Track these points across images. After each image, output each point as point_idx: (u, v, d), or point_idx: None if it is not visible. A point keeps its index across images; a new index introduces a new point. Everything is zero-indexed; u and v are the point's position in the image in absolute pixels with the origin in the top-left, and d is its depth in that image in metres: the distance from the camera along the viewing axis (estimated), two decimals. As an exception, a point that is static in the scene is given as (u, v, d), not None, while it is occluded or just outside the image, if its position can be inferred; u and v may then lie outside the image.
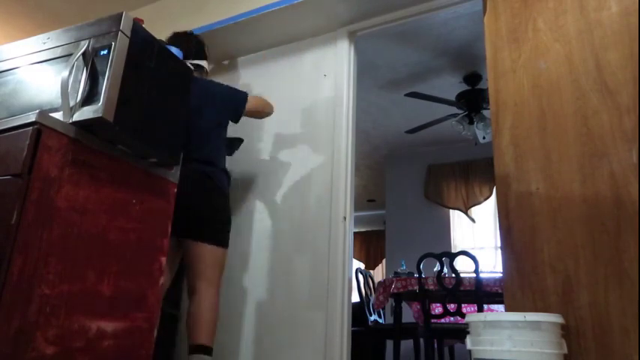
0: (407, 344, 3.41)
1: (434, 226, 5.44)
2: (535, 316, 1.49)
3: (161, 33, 2.37)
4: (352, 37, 2.81)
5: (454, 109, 4.39)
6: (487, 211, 5.37)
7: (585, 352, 1.61)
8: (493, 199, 5.18)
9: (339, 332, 2.26)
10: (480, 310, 2.74)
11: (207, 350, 2.00)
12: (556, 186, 1.83)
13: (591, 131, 1.81)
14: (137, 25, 1.62)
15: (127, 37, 1.56)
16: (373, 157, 6.12)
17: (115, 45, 1.52)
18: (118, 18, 1.56)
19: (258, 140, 2.86)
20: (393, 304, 3.06)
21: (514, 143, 1.97)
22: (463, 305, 2.90)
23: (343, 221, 2.44)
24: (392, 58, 3.94)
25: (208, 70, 2.53)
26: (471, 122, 4.21)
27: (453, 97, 4.27)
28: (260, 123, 2.87)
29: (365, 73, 4.03)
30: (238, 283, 2.60)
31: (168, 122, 1.73)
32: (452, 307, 2.78)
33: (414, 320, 3.40)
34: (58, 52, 1.62)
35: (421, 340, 3.15)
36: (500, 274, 2.58)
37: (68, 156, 1.46)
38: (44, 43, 1.67)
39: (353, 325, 2.41)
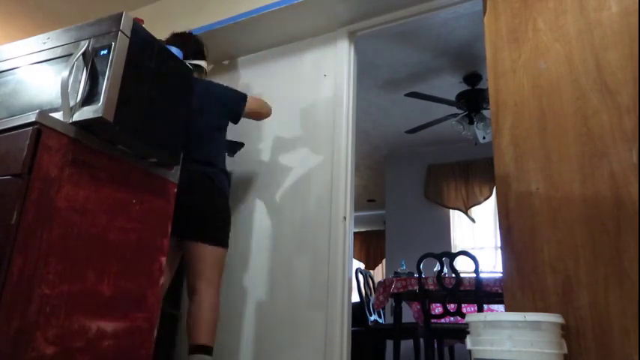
0: (407, 344, 3.41)
1: (434, 226, 5.44)
2: (535, 316, 1.49)
3: (161, 33, 2.37)
4: (352, 37, 2.81)
5: (454, 109, 4.39)
6: (487, 211, 5.37)
7: (585, 352, 1.61)
8: (493, 199, 5.18)
9: (339, 332, 2.26)
10: (480, 310, 2.74)
11: (207, 350, 2.00)
12: (556, 186, 1.83)
13: (591, 131, 1.81)
14: (137, 25, 1.62)
15: (127, 37, 1.56)
16: (373, 157, 6.12)
17: (115, 45, 1.52)
18: (118, 18, 1.56)
19: (258, 140, 2.86)
20: (393, 304, 3.06)
21: (514, 143, 1.97)
22: (463, 305, 2.90)
23: (343, 221, 2.44)
24: (392, 58, 3.94)
25: (208, 70, 2.53)
26: (471, 122, 4.21)
27: (453, 97, 4.27)
28: (260, 123, 2.87)
29: (365, 73, 4.03)
30: (238, 283, 2.60)
31: (168, 122, 1.73)
32: (452, 307, 2.78)
33: (414, 320, 3.40)
34: (58, 52, 1.62)
35: (421, 340, 3.15)
36: (500, 274, 2.58)
37: (68, 156, 1.46)
38: (44, 43, 1.67)
39: (353, 325, 2.41)
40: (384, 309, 3.81)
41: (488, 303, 2.99)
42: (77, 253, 1.46)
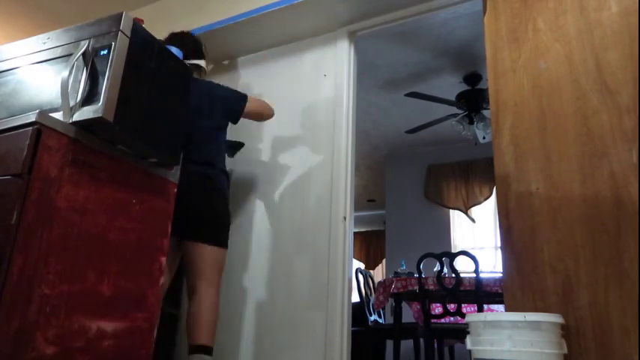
0: (407, 344, 3.41)
1: (434, 226, 5.44)
2: (535, 316, 1.49)
3: (161, 33, 2.37)
4: (352, 37, 2.81)
5: (454, 109, 4.39)
6: (487, 211, 5.37)
7: (585, 352, 1.61)
8: (493, 199, 5.18)
9: (339, 332, 2.26)
10: (480, 310, 2.74)
11: (207, 350, 2.00)
12: (556, 186, 1.83)
13: (591, 131, 1.81)
14: (137, 25, 1.62)
15: (127, 37, 1.56)
16: (373, 157, 6.12)
17: (115, 45, 1.52)
18: (118, 18, 1.56)
19: (258, 140, 2.86)
20: (393, 304, 3.06)
21: (514, 143, 1.97)
22: (463, 305, 2.90)
23: (343, 221, 2.44)
24: (392, 58, 3.94)
25: (207, 69, 2.53)
26: (471, 122, 4.21)
27: (453, 97, 4.27)
28: (260, 123, 2.87)
29: (365, 73, 4.03)
30: (238, 283, 2.60)
31: (168, 122, 1.73)
32: (452, 307, 2.78)
33: (414, 320, 3.40)
34: (58, 52, 1.62)
35: (421, 340, 3.15)
36: (500, 274, 2.58)
37: (68, 156, 1.46)
38: (44, 43, 1.67)
39: (353, 325, 2.41)
40: (384, 309, 3.81)
41: (489, 303, 2.99)
42: (77, 253, 1.46)
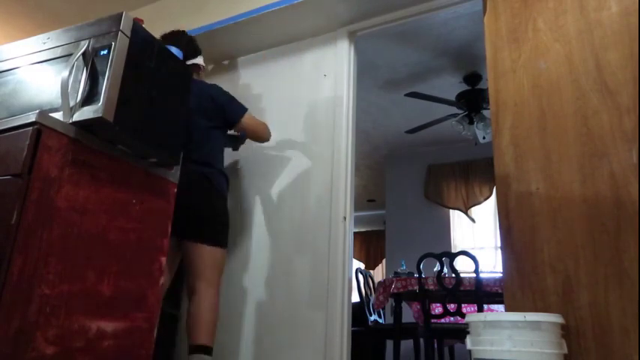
0: (407, 344, 3.41)
1: (434, 226, 5.44)
2: (535, 316, 1.49)
3: (161, 33, 2.37)
4: (352, 37, 2.81)
5: (454, 109, 4.39)
6: (487, 211, 5.37)
7: (585, 352, 1.61)
8: (493, 199, 5.18)
9: (339, 332, 2.26)
10: (480, 310, 2.74)
11: (207, 350, 2.00)
12: (556, 186, 1.83)
13: (591, 131, 1.81)
14: (137, 25, 1.62)
15: (127, 37, 1.56)
16: (373, 157, 6.12)
17: (115, 45, 1.52)
18: (118, 18, 1.56)
19: (258, 140, 2.86)
20: (393, 304, 3.06)
21: (514, 143, 1.97)
22: (463, 305, 2.90)
23: (343, 221, 2.44)
24: (392, 58, 3.94)
25: (205, 65, 2.52)
26: (471, 122, 4.21)
27: (453, 97, 4.27)
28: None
29: (365, 73, 4.03)
30: (238, 283, 2.60)
31: (168, 122, 1.73)
32: (452, 307, 2.78)
33: (414, 320, 3.40)
34: (58, 52, 1.63)
35: (421, 340, 3.15)
36: (500, 274, 2.58)
37: (68, 156, 1.46)
38: (44, 43, 1.67)
39: (353, 325, 2.41)
40: (384, 309, 3.81)
41: (489, 303, 2.99)
42: (77, 253, 1.46)
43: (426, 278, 2.86)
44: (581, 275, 1.69)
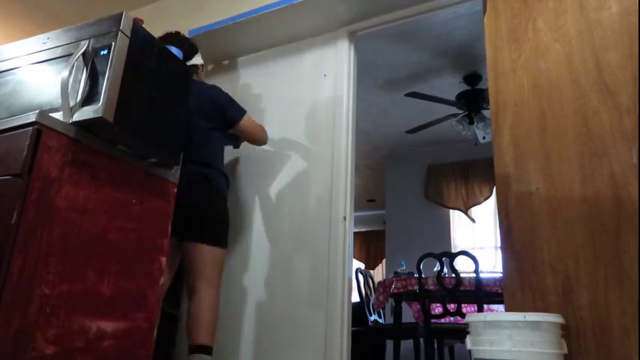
0: (407, 344, 3.41)
1: (434, 226, 5.44)
2: (535, 316, 1.49)
3: (161, 33, 2.37)
4: (352, 37, 2.81)
5: (454, 109, 4.39)
6: (487, 211, 5.37)
7: (585, 352, 1.61)
8: (493, 199, 5.18)
9: (339, 332, 2.26)
10: (480, 310, 2.74)
11: (207, 350, 2.00)
12: (556, 186, 1.83)
13: (591, 131, 1.81)
14: (137, 25, 1.62)
15: (127, 37, 1.56)
16: (373, 157, 6.12)
17: (115, 45, 1.52)
18: (118, 18, 1.56)
19: (258, 140, 2.86)
20: (393, 304, 3.06)
21: (514, 143, 1.97)
22: (463, 305, 2.90)
23: (343, 221, 2.44)
24: (392, 58, 3.94)
25: (204, 64, 2.51)
26: (471, 122, 4.21)
27: (453, 97, 4.27)
28: (260, 121, 2.87)
29: (365, 73, 4.03)
30: (238, 283, 2.60)
31: (168, 122, 1.73)
32: (452, 307, 2.78)
33: (414, 320, 3.40)
34: (58, 52, 1.63)
35: (421, 340, 3.15)
36: (500, 274, 2.58)
37: (68, 156, 1.46)
38: (44, 43, 1.67)
39: (353, 325, 2.41)
40: (384, 309, 3.81)
41: (489, 303, 2.99)
42: (77, 253, 1.46)
43: (426, 278, 2.86)
44: (581, 275, 1.69)
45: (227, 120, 2.34)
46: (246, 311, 2.52)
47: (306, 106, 2.78)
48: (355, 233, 8.35)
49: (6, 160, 1.39)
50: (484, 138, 4.22)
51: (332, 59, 2.78)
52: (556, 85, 1.94)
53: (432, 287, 2.85)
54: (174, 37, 2.37)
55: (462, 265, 2.98)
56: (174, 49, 2.17)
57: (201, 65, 2.47)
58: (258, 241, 2.64)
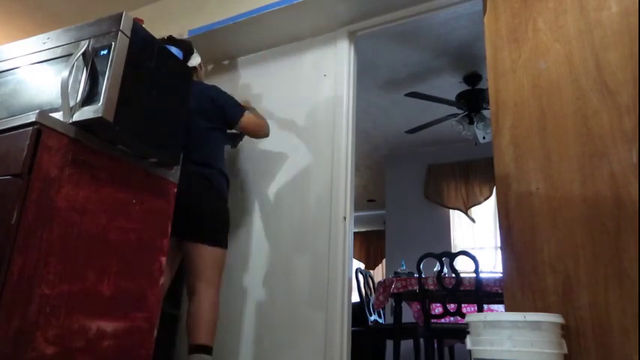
0: (407, 344, 3.41)
1: (434, 226, 5.44)
2: (535, 316, 1.49)
3: (161, 33, 2.37)
4: (352, 37, 2.81)
5: (454, 109, 4.38)
6: (487, 211, 5.37)
7: (585, 352, 1.61)
8: (493, 199, 5.18)
9: (339, 332, 2.26)
10: (480, 310, 2.74)
11: (207, 350, 2.00)
12: (556, 186, 1.83)
13: (591, 131, 1.81)
14: (137, 25, 1.62)
15: (127, 37, 1.56)
16: (373, 157, 6.11)
17: (115, 45, 1.52)
18: (118, 18, 1.56)
19: (258, 140, 2.86)
20: (393, 304, 3.06)
21: (514, 143, 1.97)
22: (463, 305, 2.90)
23: (343, 221, 2.44)
24: (392, 58, 3.94)
25: (203, 64, 2.52)
26: (471, 122, 4.21)
27: (453, 97, 4.27)
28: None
29: (365, 73, 4.03)
30: (238, 283, 2.60)
31: (168, 122, 1.73)
32: (452, 307, 2.78)
33: (414, 320, 3.40)
34: (58, 52, 1.62)
35: (421, 340, 3.14)
36: (500, 274, 2.58)
37: (68, 156, 1.46)
38: (44, 43, 1.67)
39: (353, 325, 2.41)
40: (384, 309, 3.81)
41: (489, 303, 2.99)
42: (77, 253, 1.46)
43: (426, 278, 2.86)
44: (581, 275, 1.69)
45: (227, 119, 2.35)
46: (246, 311, 2.52)
47: (306, 106, 2.78)
48: (355, 233, 8.35)
49: (6, 160, 1.39)
50: (484, 138, 4.22)
51: (332, 59, 2.78)
52: (556, 85, 1.94)
53: (432, 287, 2.85)
54: (173, 39, 2.38)
55: (462, 265, 2.98)
56: (174, 49, 2.17)
57: (201, 65, 2.47)
58: (258, 241, 2.64)
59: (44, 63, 1.64)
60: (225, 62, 3.19)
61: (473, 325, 1.59)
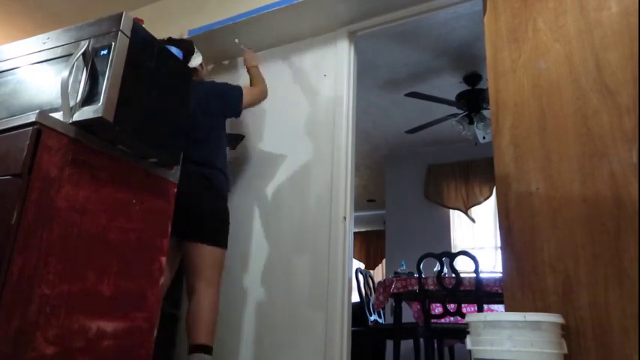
0: (407, 344, 3.41)
1: (434, 226, 5.44)
2: (535, 316, 1.49)
3: (161, 33, 2.37)
4: (352, 37, 2.81)
5: (454, 109, 4.38)
6: (487, 211, 5.37)
7: (585, 352, 1.61)
8: (493, 199, 5.17)
9: (339, 332, 2.26)
10: (480, 310, 2.74)
11: (207, 350, 2.00)
12: (556, 186, 1.83)
13: (591, 131, 1.81)
14: (137, 25, 1.62)
15: (127, 37, 1.56)
16: (373, 157, 6.11)
17: (115, 45, 1.52)
18: (118, 18, 1.56)
19: (258, 140, 2.86)
20: (393, 304, 3.06)
21: (514, 143, 1.97)
22: (463, 305, 2.90)
23: (343, 221, 2.44)
24: (392, 58, 3.94)
25: (204, 64, 2.53)
26: (471, 122, 4.21)
27: (453, 97, 4.27)
28: (260, 123, 2.87)
29: (365, 73, 4.03)
30: (238, 283, 2.60)
31: (168, 122, 1.73)
32: (452, 307, 2.78)
33: (414, 320, 3.40)
34: (58, 52, 1.63)
35: (421, 340, 3.14)
36: (500, 274, 2.58)
37: (68, 156, 1.46)
38: (44, 43, 1.67)
39: (353, 325, 2.41)
40: (384, 309, 3.81)
41: (489, 303, 2.99)
42: (77, 253, 1.46)
43: (426, 278, 2.86)
44: (581, 275, 1.69)
45: (230, 109, 2.37)
46: (246, 311, 2.52)
47: (306, 106, 2.78)
48: (355, 233, 8.35)
49: (6, 160, 1.39)
50: (484, 138, 4.22)
51: (332, 59, 2.78)
52: (556, 85, 1.94)
53: (432, 287, 2.85)
54: (173, 40, 2.39)
55: (462, 265, 2.97)
56: (174, 49, 2.17)
57: (202, 65, 2.48)
58: (258, 241, 2.64)
59: (44, 63, 1.64)
60: (225, 62, 3.19)
61: (473, 325, 1.59)
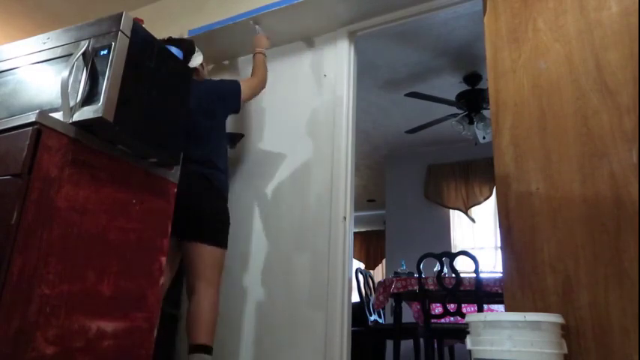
0: (407, 344, 3.41)
1: (434, 226, 5.44)
2: (535, 316, 1.49)
3: (161, 33, 2.37)
4: (352, 37, 2.81)
5: (454, 109, 4.38)
6: (487, 211, 5.37)
7: (585, 352, 1.61)
8: (493, 199, 5.17)
9: (339, 332, 2.26)
10: (480, 310, 2.74)
11: (207, 350, 2.00)
12: (556, 186, 1.83)
13: (591, 131, 1.81)
14: (137, 25, 1.62)
15: (127, 37, 1.56)
16: (373, 157, 6.11)
17: (115, 45, 1.52)
18: (118, 18, 1.56)
19: (258, 140, 2.86)
20: (393, 304, 3.06)
21: (514, 143, 1.97)
22: (463, 305, 2.90)
23: (343, 221, 2.44)
24: (392, 58, 3.94)
25: (204, 64, 2.53)
26: (471, 122, 4.21)
27: (453, 97, 4.27)
28: (260, 123, 2.87)
29: (365, 73, 4.03)
30: (238, 283, 2.60)
31: (168, 122, 1.73)
32: (452, 307, 2.78)
33: (414, 320, 3.40)
34: (58, 52, 1.63)
35: (421, 340, 3.15)
36: (500, 274, 2.58)
37: (68, 156, 1.46)
38: (44, 43, 1.67)
39: (353, 325, 2.41)
40: (384, 309, 3.81)
41: (489, 303, 2.99)
42: (77, 253, 1.46)
43: (426, 278, 2.86)
44: (581, 275, 1.69)
45: (230, 107, 2.37)
46: (246, 311, 2.52)
47: (306, 106, 2.78)
48: (355, 233, 8.35)
49: (6, 160, 1.39)
50: (484, 138, 4.22)
51: (332, 59, 2.78)
52: (556, 85, 1.94)
53: (432, 287, 2.85)
54: (173, 40, 2.39)
55: (462, 265, 2.98)
56: (174, 49, 2.17)
57: (203, 65, 2.48)
58: (257, 240, 2.64)
59: (44, 63, 1.64)
60: (226, 62, 3.19)
61: (473, 325, 1.59)
